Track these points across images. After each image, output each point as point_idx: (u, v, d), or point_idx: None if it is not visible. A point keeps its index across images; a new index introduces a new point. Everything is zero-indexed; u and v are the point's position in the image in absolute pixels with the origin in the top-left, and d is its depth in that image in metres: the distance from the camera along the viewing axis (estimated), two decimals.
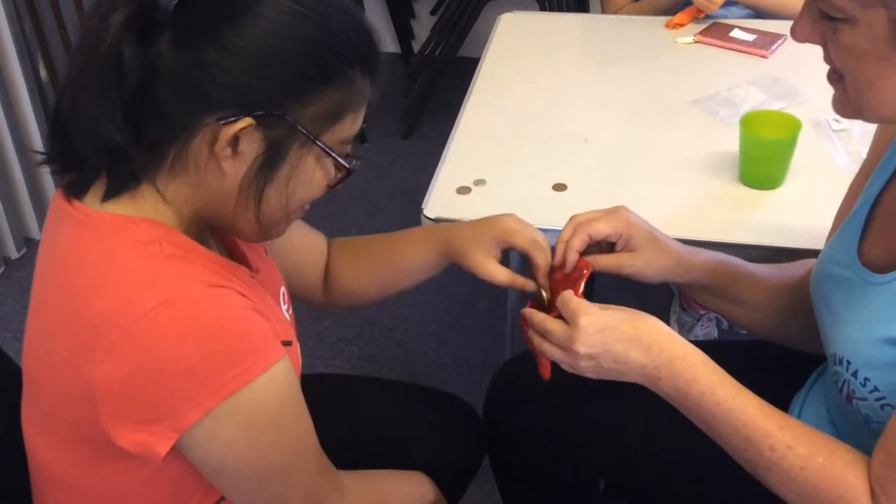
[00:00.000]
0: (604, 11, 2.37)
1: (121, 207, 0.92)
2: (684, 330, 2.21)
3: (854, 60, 0.91)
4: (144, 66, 0.86)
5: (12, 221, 2.71)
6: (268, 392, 0.90)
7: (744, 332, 1.36)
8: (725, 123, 1.69)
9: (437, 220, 1.46)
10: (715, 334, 2.24)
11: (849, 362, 1.01)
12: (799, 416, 1.19)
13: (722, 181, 1.54)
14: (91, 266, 0.91)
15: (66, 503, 1.06)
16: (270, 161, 0.92)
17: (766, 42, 1.96)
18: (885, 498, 0.91)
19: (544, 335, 1.09)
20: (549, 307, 1.15)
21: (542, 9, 3.08)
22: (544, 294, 1.19)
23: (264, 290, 1.03)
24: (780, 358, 1.31)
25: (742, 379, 1.02)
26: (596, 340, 1.03)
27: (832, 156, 1.58)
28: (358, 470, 1.15)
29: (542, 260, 1.19)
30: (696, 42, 2.02)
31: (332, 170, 0.98)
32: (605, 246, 1.21)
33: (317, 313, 2.49)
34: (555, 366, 1.11)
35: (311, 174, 0.95)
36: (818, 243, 1.19)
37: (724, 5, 2.10)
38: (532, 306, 1.16)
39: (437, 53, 3.32)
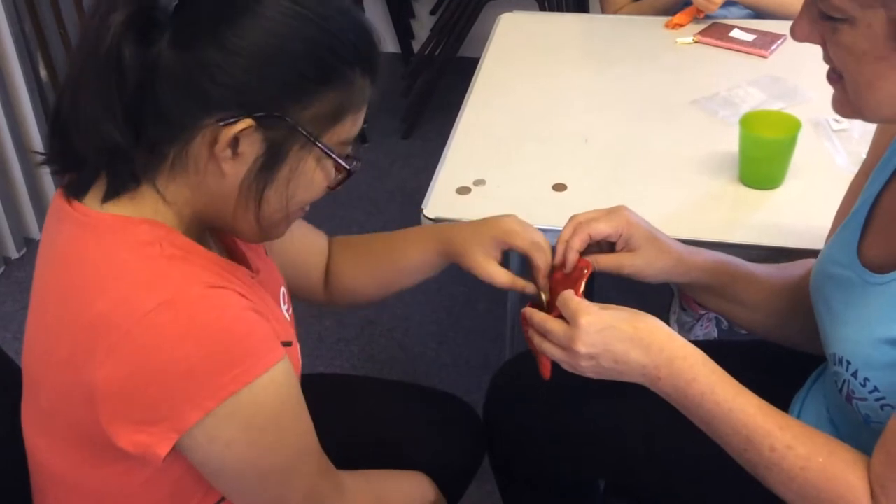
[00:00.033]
0: (603, 11, 2.37)
1: (121, 208, 0.92)
2: (684, 330, 2.21)
3: (853, 60, 0.92)
4: (144, 66, 0.86)
5: (12, 221, 2.71)
6: (268, 393, 0.90)
7: (744, 332, 1.36)
8: (725, 123, 1.69)
9: (436, 220, 1.46)
10: (715, 334, 2.24)
11: (848, 362, 1.01)
12: (799, 416, 1.19)
13: (722, 181, 1.54)
14: (91, 267, 0.91)
15: (65, 503, 1.06)
16: (270, 162, 0.92)
17: (765, 42, 1.96)
18: (885, 498, 0.91)
19: (545, 335, 1.09)
20: (548, 309, 1.15)
21: (542, 9, 3.08)
22: (543, 297, 1.19)
23: (264, 291, 1.03)
24: (779, 358, 1.31)
25: (742, 379, 1.02)
26: (596, 340, 1.03)
27: (832, 156, 1.58)
28: (358, 470, 1.15)
29: (542, 261, 1.19)
30: (696, 42, 2.02)
31: (333, 171, 0.98)
32: (606, 246, 1.21)
33: (317, 313, 2.49)
34: (555, 366, 1.11)
35: (311, 175, 0.95)
36: (818, 243, 1.20)
37: (724, 5, 2.10)
38: (532, 306, 1.16)
39: (437, 53, 3.32)
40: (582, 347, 1.03)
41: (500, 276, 1.20)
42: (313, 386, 1.06)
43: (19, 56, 2.57)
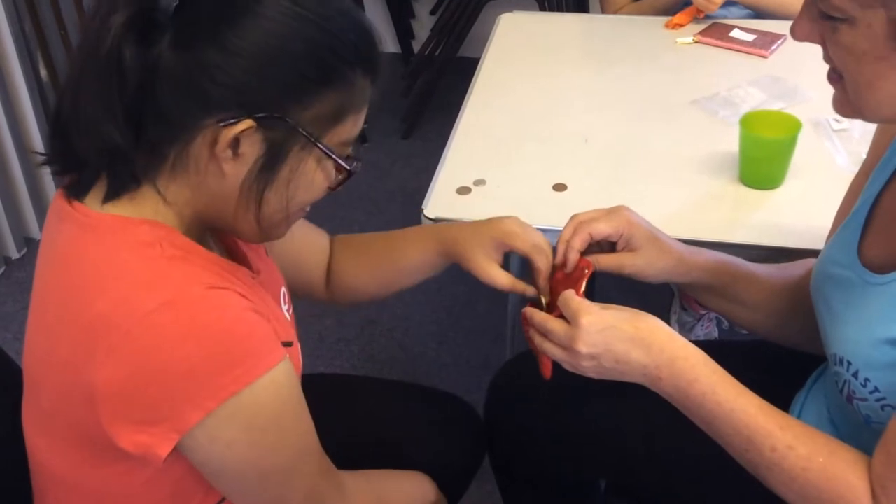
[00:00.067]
0: (603, 11, 2.37)
1: (121, 209, 0.92)
2: (685, 330, 2.21)
3: (853, 60, 0.92)
4: (145, 67, 0.86)
5: (13, 221, 2.71)
6: (269, 393, 0.90)
7: (744, 332, 1.36)
8: (725, 123, 1.69)
9: (437, 221, 1.46)
10: (715, 334, 2.24)
11: (849, 363, 1.01)
12: (799, 417, 1.19)
13: (722, 181, 1.54)
14: (91, 267, 0.91)
15: (66, 503, 1.06)
16: (271, 163, 0.92)
17: (765, 42, 1.96)
18: (886, 498, 0.91)
19: (545, 334, 1.09)
20: (548, 309, 1.15)
21: (542, 9, 3.08)
22: (543, 300, 1.19)
23: (265, 291, 1.03)
24: (780, 358, 1.31)
25: (743, 379, 1.02)
26: (597, 340, 1.03)
27: (832, 156, 1.58)
28: (358, 470, 1.15)
29: (542, 264, 1.19)
30: (696, 42, 2.02)
31: (333, 171, 0.98)
32: (606, 245, 1.21)
33: (317, 313, 2.49)
34: (555, 365, 1.11)
35: (311, 176, 0.95)
36: (818, 243, 1.20)
37: (724, 5, 2.10)
38: (532, 306, 1.16)
39: (437, 53, 3.32)
40: (583, 347, 1.03)
41: (501, 279, 1.20)
42: (314, 386, 1.06)
43: (19, 56, 2.57)
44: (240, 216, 0.96)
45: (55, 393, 0.95)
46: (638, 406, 1.16)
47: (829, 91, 0.98)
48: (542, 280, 1.19)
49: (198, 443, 0.89)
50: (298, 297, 1.24)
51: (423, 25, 3.70)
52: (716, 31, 2.03)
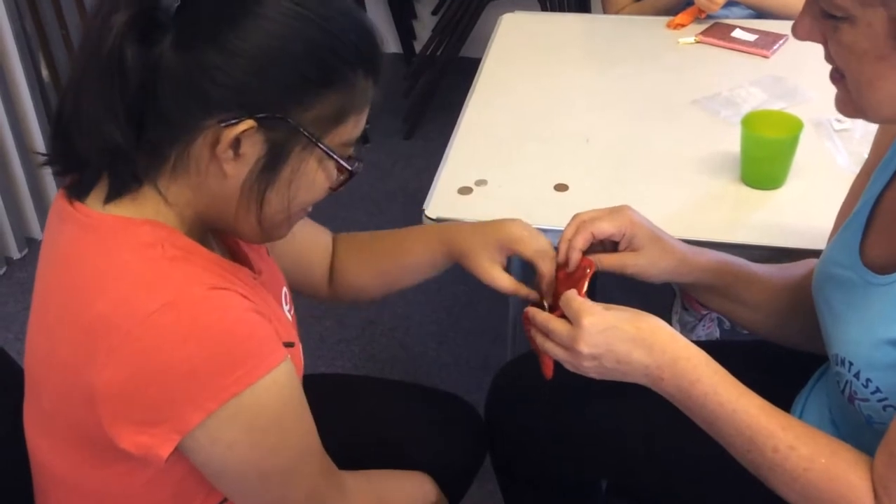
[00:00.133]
0: (605, 11, 2.37)
1: (122, 209, 0.92)
2: (686, 330, 2.21)
3: (854, 59, 0.91)
4: (146, 67, 0.86)
5: (14, 221, 2.71)
6: (270, 394, 0.90)
7: (746, 332, 1.36)
8: (727, 123, 1.69)
9: (438, 221, 1.46)
10: (717, 334, 2.24)
11: (851, 363, 1.01)
12: (801, 417, 1.19)
13: (723, 181, 1.54)
14: (92, 267, 0.91)
15: None
16: (272, 163, 0.92)
17: (767, 42, 1.96)
18: (888, 499, 0.91)
19: (547, 334, 1.09)
20: (550, 311, 1.15)
21: (544, 9, 3.08)
22: (545, 304, 1.19)
23: (266, 292, 1.03)
24: (781, 358, 1.31)
25: (744, 379, 1.02)
26: (599, 340, 1.03)
27: (833, 156, 1.58)
28: (359, 470, 1.15)
29: (546, 269, 1.19)
30: (698, 42, 2.02)
31: (335, 172, 0.97)
32: (609, 245, 1.21)
33: (318, 314, 2.49)
34: (557, 365, 1.11)
35: (312, 176, 0.95)
36: (819, 243, 1.19)
37: (726, 5, 2.10)
38: (534, 306, 1.16)
39: (438, 54, 3.32)
40: (585, 348, 1.03)
41: (504, 282, 1.20)
42: (315, 386, 1.06)
43: (21, 55, 2.57)
44: (241, 217, 0.96)
45: (56, 393, 0.95)
46: (639, 406, 1.16)
47: (831, 91, 0.98)
48: (546, 284, 1.19)
49: (199, 444, 0.89)
50: (300, 295, 1.24)
51: (424, 26, 3.70)
52: (717, 31, 2.03)
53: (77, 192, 0.95)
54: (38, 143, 2.69)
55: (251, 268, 1.05)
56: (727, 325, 2.25)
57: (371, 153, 3.14)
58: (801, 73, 1.83)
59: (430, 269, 1.29)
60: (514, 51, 2.04)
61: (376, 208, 2.94)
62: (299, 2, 0.88)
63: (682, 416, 1.04)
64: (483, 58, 2.00)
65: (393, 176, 3.11)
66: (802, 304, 1.18)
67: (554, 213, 1.37)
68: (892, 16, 0.86)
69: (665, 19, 2.12)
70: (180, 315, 0.86)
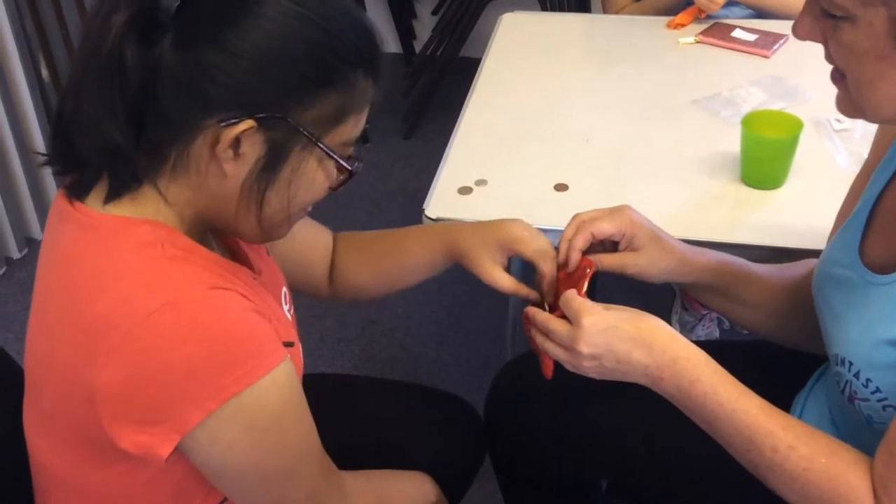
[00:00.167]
0: (605, 11, 2.37)
1: (122, 209, 0.92)
2: (686, 330, 2.21)
3: (855, 59, 0.91)
4: (146, 66, 0.86)
5: (14, 221, 2.71)
6: (270, 394, 0.90)
7: (745, 332, 1.36)
8: (727, 123, 1.69)
9: (438, 221, 1.46)
10: (717, 334, 2.24)
11: (850, 363, 1.01)
12: (800, 417, 1.19)
13: (723, 181, 1.54)
14: (92, 267, 0.91)
15: None
16: (272, 163, 0.92)
17: (767, 42, 1.96)
18: (888, 499, 0.91)
19: (547, 334, 1.09)
20: (550, 311, 1.15)
21: (544, 9, 3.08)
22: (546, 304, 1.19)
23: (266, 292, 1.03)
24: (781, 358, 1.31)
25: (744, 379, 1.02)
26: (599, 340, 1.03)
27: (833, 156, 1.58)
28: (359, 470, 1.15)
29: (547, 269, 1.19)
30: (698, 42, 2.02)
31: (334, 172, 0.98)
32: (609, 245, 1.21)
33: (318, 313, 2.49)
34: (556, 365, 1.11)
35: (312, 176, 0.95)
36: (819, 243, 1.19)
37: (726, 5, 2.10)
38: (534, 306, 1.16)
39: (438, 53, 3.32)
40: (584, 348, 1.03)
41: (505, 283, 1.20)
42: (315, 386, 1.06)
43: (21, 55, 2.57)
44: (241, 216, 0.96)
45: (56, 393, 0.95)
46: (638, 406, 1.16)
47: (831, 91, 0.98)
48: (546, 285, 1.19)
49: (199, 443, 0.89)
50: (301, 294, 1.24)
51: (424, 25, 3.70)
52: (717, 31, 2.03)
53: (77, 191, 0.95)
54: (38, 143, 2.69)
55: (251, 268, 1.05)
56: (727, 325, 2.25)
57: (371, 153, 3.14)
58: (801, 73, 1.83)
59: (431, 269, 1.29)
60: (514, 51, 2.04)
61: (376, 208, 2.94)
62: (299, 1, 0.88)
63: (682, 416, 1.04)
64: (483, 58, 2.00)
65: (393, 176, 3.11)
66: (802, 304, 1.18)
67: (554, 213, 1.37)
68: (892, 15, 0.86)
69: (665, 19, 2.12)
70: (180, 315, 0.86)
